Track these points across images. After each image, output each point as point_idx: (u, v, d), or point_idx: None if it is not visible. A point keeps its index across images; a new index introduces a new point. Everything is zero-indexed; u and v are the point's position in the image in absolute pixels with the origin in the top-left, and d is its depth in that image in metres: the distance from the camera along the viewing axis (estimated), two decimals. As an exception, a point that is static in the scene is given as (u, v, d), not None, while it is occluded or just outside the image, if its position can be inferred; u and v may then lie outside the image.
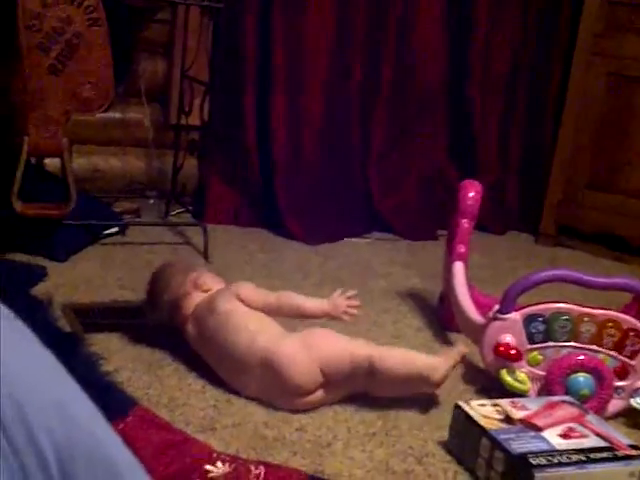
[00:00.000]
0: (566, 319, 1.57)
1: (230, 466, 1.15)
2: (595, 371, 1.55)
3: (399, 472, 1.31)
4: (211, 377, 1.51)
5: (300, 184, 2.62)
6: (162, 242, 2.30)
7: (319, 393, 1.47)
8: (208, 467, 1.14)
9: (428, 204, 2.84)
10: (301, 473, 1.20)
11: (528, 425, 1.34)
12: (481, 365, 1.67)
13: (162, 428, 1.21)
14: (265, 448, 1.32)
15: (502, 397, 1.47)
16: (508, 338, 1.58)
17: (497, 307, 1.62)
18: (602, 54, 2.69)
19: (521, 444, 1.28)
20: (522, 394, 1.55)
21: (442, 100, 2.92)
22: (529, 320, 1.58)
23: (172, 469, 1.12)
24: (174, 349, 1.61)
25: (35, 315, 1.48)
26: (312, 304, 1.57)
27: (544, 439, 1.30)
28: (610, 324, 1.57)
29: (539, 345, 1.59)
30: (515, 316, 1.59)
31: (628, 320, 1.58)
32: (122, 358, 1.55)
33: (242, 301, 1.54)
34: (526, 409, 1.40)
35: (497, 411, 1.38)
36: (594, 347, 1.57)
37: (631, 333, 1.57)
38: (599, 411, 1.53)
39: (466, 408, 1.38)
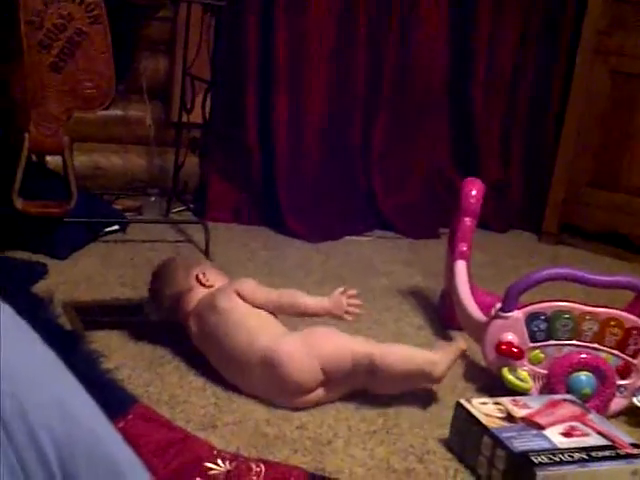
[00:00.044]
0: (568, 317, 1.57)
1: (231, 464, 1.15)
2: (597, 370, 1.55)
3: (400, 470, 1.30)
4: (212, 375, 1.51)
5: (302, 182, 2.62)
6: (163, 240, 2.30)
7: (320, 391, 1.46)
8: (209, 465, 1.14)
9: (430, 202, 2.84)
10: (302, 471, 1.20)
11: (530, 423, 1.34)
12: (483, 363, 1.67)
13: (163, 426, 1.21)
14: (266, 446, 1.31)
15: (504, 395, 1.47)
16: (510, 336, 1.58)
17: (499, 305, 1.61)
18: (606, 52, 2.68)
19: (523, 442, 1.27)
20: (524, 392, 1.54)
21: (444, 99, 2.91)
22: (531, 318, 1.58)
23: (173, 467, 1.12)
24: (175, 347, 1.61)
25: (36, 313, 1.48)
26: (313, 302, 1.57)
27: (546, 437, 1.30)
28: (612, 322, 1.57)
29: (541, 343, 1.58)
30: (517, 314, 1.58)
31: (631, 319, 1.57)
32: (123, 356, 1.55)
33: (243, 298, 1.54)
34: (528, 407, 1.39)
35: (499, 409, 1.37)
36: (596, 345, 1.57)
37: (634, 332, 1.56)
38: (601, 410, 1.53)
39: (467, 406, 1.37)
